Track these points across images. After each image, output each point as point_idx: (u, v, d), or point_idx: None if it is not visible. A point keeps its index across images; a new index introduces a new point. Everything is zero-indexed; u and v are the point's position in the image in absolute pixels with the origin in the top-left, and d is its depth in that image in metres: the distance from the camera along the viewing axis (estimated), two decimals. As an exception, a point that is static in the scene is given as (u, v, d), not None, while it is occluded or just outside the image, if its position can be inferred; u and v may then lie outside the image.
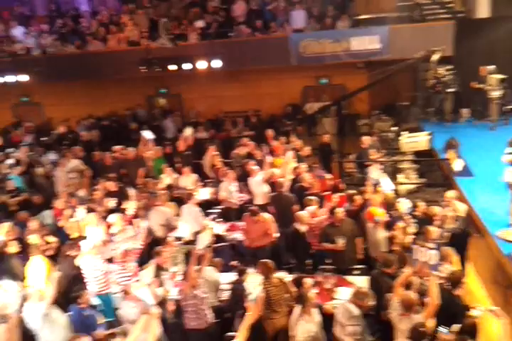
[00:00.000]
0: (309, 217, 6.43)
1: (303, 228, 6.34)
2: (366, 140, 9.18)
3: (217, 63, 10.98)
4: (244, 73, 12.37)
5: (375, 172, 8.14)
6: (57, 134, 12.11)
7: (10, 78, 12.21)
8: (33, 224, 6.85)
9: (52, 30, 13.33)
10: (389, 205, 6.61)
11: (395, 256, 5.29)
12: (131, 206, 7.06)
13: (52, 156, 10.18)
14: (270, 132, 9.72)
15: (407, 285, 4.59)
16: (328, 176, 8.07)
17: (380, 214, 6.25)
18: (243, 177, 8.18)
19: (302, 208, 6.77)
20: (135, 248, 6.14)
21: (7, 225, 6.52)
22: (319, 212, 6.60)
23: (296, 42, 11.26)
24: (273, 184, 7.58)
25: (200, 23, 12.21)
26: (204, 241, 5.71)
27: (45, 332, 4.87)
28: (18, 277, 5.82)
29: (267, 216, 6.67)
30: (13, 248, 6.14)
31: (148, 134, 9.81)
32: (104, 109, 13.45)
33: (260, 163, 8.18)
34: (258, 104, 12.78)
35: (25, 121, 13.40)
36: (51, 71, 12.41)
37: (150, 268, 5.75)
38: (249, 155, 8.97)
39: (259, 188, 7.78)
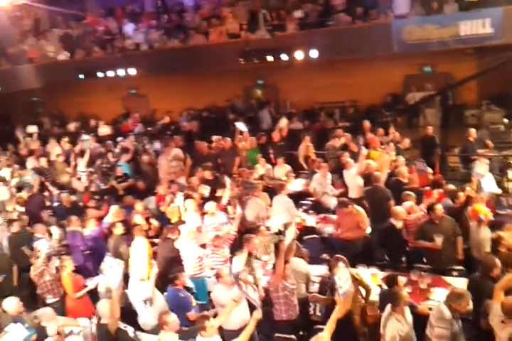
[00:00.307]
0: (406, 212, 6.13)
1: (398, 224, 6.07)
2: (473, 132, 8.52)
3: (314, 53, 10.85)
4: (341, 62, 12.00)
5: (481, 168, 7.53)
6: (161, 124, 12.86)
7: (120, 72, 13.13)
8: (138, 207, 7.35)
9: (159, 26, 14.09)
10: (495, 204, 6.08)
11: (499, 259, 4.85)
12: (225, 195, 7.26)
13: (156, 145, 10.82)
14: (367, 123, 9.42)
15: (510, 290, 4.20)
16: (429, 170, 7.63)
17: (486, 212, 5.77)
18: (338, 170, 8.03)
19: (398, 203, 6.48)
20: (228, 234, 6.32)
21: (115, 208, 7.07)
22: (417, 208, 6.27)
23: (398, 29, 10.66)
24: (368, 177, 7.33)
25: (298, 13, 12.12)
26: (291, 233, 5.69)
27: (145, 309, 5.26)
28: (123, 256, 6.30)
29: (359, 208, 6.50)
30: (119, 229, 6.64)
31: (241, 126, 10.01)
32: (204, 101, 13.95)
33: (355, 156, 7.97)
34: (355, 95, 12.39)
35: (133, 112, 14.39)
36: (157, 65, 13.12)
37: (242, 255, 5.89)
38: (345, 147, 8.79)
39: (354, 181, 7.59)
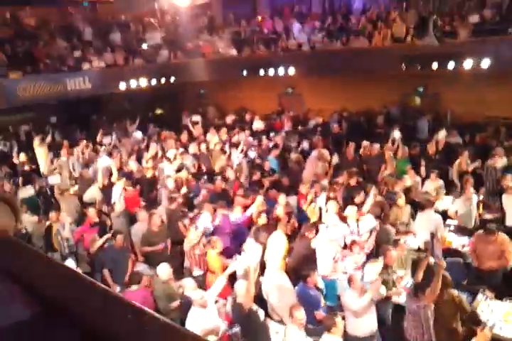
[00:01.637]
0: None
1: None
2: None
3: (486, 63, 10.03)
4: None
5: None
6: (313, 124, 13.12)
7: (280, 70, 13.68)
8: (281, 200, 7.68)
9: (323, 27, 14.31)
10: None
11: None
12: (368, 202, 7.19)
13: (305, 144, 11.10)
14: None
15: None
16: None
17: None
18: (497, 192, 7.37)
19: None
20: (365, 242, 6.28)
21: (260, 199, 7.49)
22: None
23: None
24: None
25: (474, 18, 11.27)
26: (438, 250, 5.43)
27: (275, 297, 5.53)
28: (261, 245, 6.66)
29: (504, 237, 5.93)
30: (263, 219, 7.04)
31: (397, 134, 9.74)
32: (358, 105, 13.82)
33: None
34: (529, 111, 11.15)
35: (288, 110, 14.88)
36: (316, 65, 13.35)
37: (376, 265, 5.82)
38: (508, 168, 8.01)
39: (513, 207, 6.93)
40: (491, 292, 5.15)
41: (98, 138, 12.71)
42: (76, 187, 9.62)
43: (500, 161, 8.34)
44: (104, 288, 0.74)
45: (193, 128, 13.38)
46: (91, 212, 7.37)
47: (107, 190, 8.88)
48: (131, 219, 7.93)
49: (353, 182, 8.33)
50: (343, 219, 6.88)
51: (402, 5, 12.99)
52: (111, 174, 9.39)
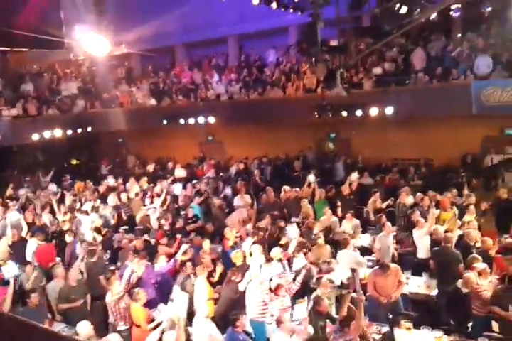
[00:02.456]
0: (476, 279, 5.87)
1: (466, 289, 5.83)
2: None
3: (389, 110, 11.02)
4: (417, 120, 12.04)
5: None
6: (234, 171, 13.37)
7: (200, 119, 13.98)
8: (205, 246, 7.60)
9: (240, 79, 15.01)
10: None
11: None
12: (292, 244, 7.34)
13: (227, 190, 11.23)
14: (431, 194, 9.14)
15: None
16: (504, 236, 7.31)
17: None
18: (407, 228, 7.89)
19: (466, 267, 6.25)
20: (290, 284, 6.34)
21: (185, 247, 7.36)
22: (487, 271, 6.00)
23: (478, 91, 10.65)
24: (437, 239, 7.15)
25: (377, 70, 12.43)
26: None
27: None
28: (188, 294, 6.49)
29: (397, 268, 6.38)
30: (189, 268, 6.88)
31: (312, 177, 10.21)
32: (277, 151, 14.38)
33: (425, 215, 7.82)
34: (430, 153, 12.23)
35: (210, 158, 15.08)
36: (235, 115, 13.88)
37: (304, 304, 5.88)
38: (415, 206, 8.65)
39: (423, 241, 7.41)
40: (407, 322, 5.36)
41: (8, 192, 11.94)
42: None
43: (407, 199, 8.99)
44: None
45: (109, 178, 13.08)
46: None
47: (17, 246, 8.29)
48: (47, 276, 7.40)
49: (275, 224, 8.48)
50: (268, 261, 6.93)
51: (312, 59, 14.03)
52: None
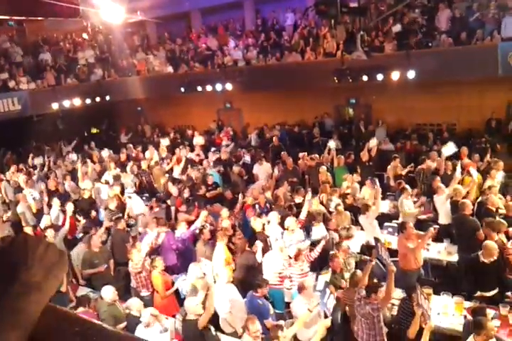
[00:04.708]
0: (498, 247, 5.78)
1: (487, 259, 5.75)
2: None
3: (411, 74, 10.67)
4: (440, 84, 11.64)
5: None
6: (253, 138, 13.31)
7: (218, 87, 13.80)
8: (224, 214, 7.68)
9: (257, 44, 14.67)
10: None
11: None
12: (304, 210, 7.36)
13: (246, 158, 11.20)
14: (464, 149, 9.04)
15: None
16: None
17: None
18: (429, 194, 7.80)
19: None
20: (310, 250, 6.40)
21: (204, 213, 7.45)
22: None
23: (505, 52, 10.19)
24: (456, 204, 7.06)
25: (397, 27, 11.96)
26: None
27: (226, 309, 5.50)
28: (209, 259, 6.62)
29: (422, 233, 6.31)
30: (207, 234, 7.00)
31: (332, 144, 10.08)
32: (295, 117, 14.23)
33: (447, 180, 7.70)
34: (453, 118, 11.92)
35: (227, 125, 15.01)
36: (252, 81, 13.63)
37: (328, 274, 5.94)
38: (436, 171, 8.51)
39: (443, 207, 7.34)
40: (427, 288, 5.38)
41: (29, 161, 12.17)
42: (9, 213, 9.12)
43: (431, 164, 8.84)
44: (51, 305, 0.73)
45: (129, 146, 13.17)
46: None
47: (39, 215, 8.52)
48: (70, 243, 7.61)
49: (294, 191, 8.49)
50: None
51: (331, 21, 13.57)
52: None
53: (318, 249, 6.34)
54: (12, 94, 12.51)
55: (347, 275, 6.08)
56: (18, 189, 9.99)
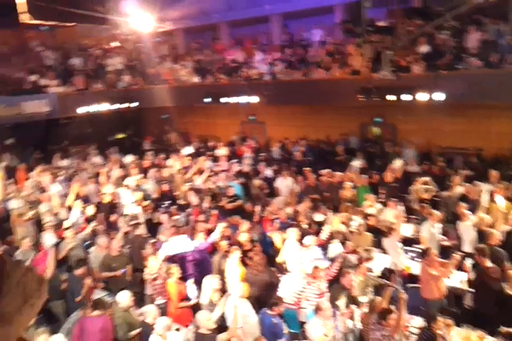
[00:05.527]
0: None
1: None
2: None
3: (439, 96, 10.55)
4: (469, 108, 11.42)
5: None
6: (276, 152, 13.26)
7: (243, 99, 13.87)
8: (243, 227, 7.64)
9: (284, 58, 14.73)
10: None
11: None
12: (326, 229, 7.26)
13: (268, 171, 11.16)
14: (495, 173, 8.84)
15: None
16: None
17: None
18: (453, 220, 7.63)
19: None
20: (327, 269, 6.29)
21: (223, 225, 7.42)
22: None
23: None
24: (482, 233, 6.87)
25: (425, 48, 11.88)
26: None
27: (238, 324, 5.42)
28: (223, 273, 6.58)
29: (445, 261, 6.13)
30: (224, 246, 6.96)
31: (355, 163, 9.99)
32: (319, 133, 14.13)
33: (474, 206, 7.54)
34: (482, 142, 11.59)
35: (250, 137, 15.01)
36: (277, 95, 13.65)
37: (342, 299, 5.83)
38: (463, 197, 8.34)
39: (468, 234, 7.16)
40: (447, 319, 5.22)
41: (55, 162, 12.33)
42: (32, 212, 9.21)
43: (457, 190, 8.65)
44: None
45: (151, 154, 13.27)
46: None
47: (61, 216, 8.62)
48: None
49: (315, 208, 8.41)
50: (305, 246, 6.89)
51: (357, 39, 13.56)
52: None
53: (336, 266, 6.24)
54: (42, 96, 12.76)
55: (363, 298, 5.97)
56: (42, 189, 10.11)
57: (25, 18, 14.37)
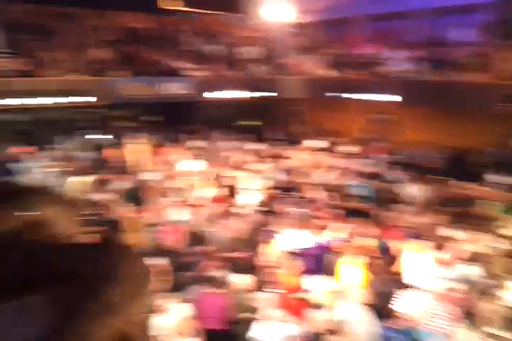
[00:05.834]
0: None
1: None
2: None
3: None
4: None
5: None
6: (408, 155, 12.59)
7: (378, 96, 13.35)
8: (373, 231, 7.34)
9: (425, 57, 13.81)
10: None
11: None
12: (467, 248, 6.68)
13: (399, 174, 10.65)
14: None
15: None
16: None
17: None
18: None
19: None
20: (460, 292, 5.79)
21: (350, 226, 7.21)
22: None
23: None
24: None
25: None
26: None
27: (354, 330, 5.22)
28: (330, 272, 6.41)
29: None
30: (341, 248, 6.76)
31: (492, 177, 9.12)
32: (454, 140, 13.06)
33: None
34: None
35: (381, 137, 14.36)
36: (415, 95, 12.89)
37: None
38: None
39: None
40: None
41: (186, 143, 13.02)
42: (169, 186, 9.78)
43: None
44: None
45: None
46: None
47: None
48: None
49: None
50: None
51: (508, 41, 12.22)
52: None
53: (463, 290, 5.72)
54: (183, 79, 13.53)
55: (493, 330, 5.39)
56: (179, 166, 10.69)
57: (167, 4, 15.05)
